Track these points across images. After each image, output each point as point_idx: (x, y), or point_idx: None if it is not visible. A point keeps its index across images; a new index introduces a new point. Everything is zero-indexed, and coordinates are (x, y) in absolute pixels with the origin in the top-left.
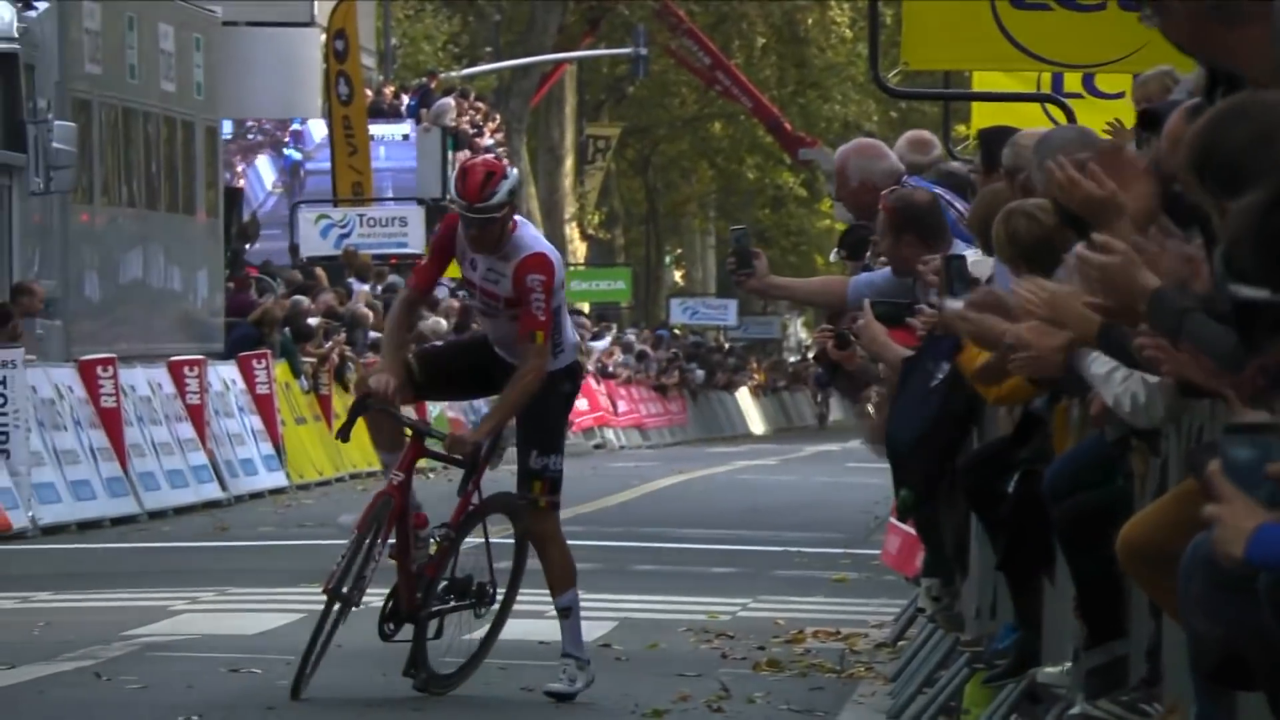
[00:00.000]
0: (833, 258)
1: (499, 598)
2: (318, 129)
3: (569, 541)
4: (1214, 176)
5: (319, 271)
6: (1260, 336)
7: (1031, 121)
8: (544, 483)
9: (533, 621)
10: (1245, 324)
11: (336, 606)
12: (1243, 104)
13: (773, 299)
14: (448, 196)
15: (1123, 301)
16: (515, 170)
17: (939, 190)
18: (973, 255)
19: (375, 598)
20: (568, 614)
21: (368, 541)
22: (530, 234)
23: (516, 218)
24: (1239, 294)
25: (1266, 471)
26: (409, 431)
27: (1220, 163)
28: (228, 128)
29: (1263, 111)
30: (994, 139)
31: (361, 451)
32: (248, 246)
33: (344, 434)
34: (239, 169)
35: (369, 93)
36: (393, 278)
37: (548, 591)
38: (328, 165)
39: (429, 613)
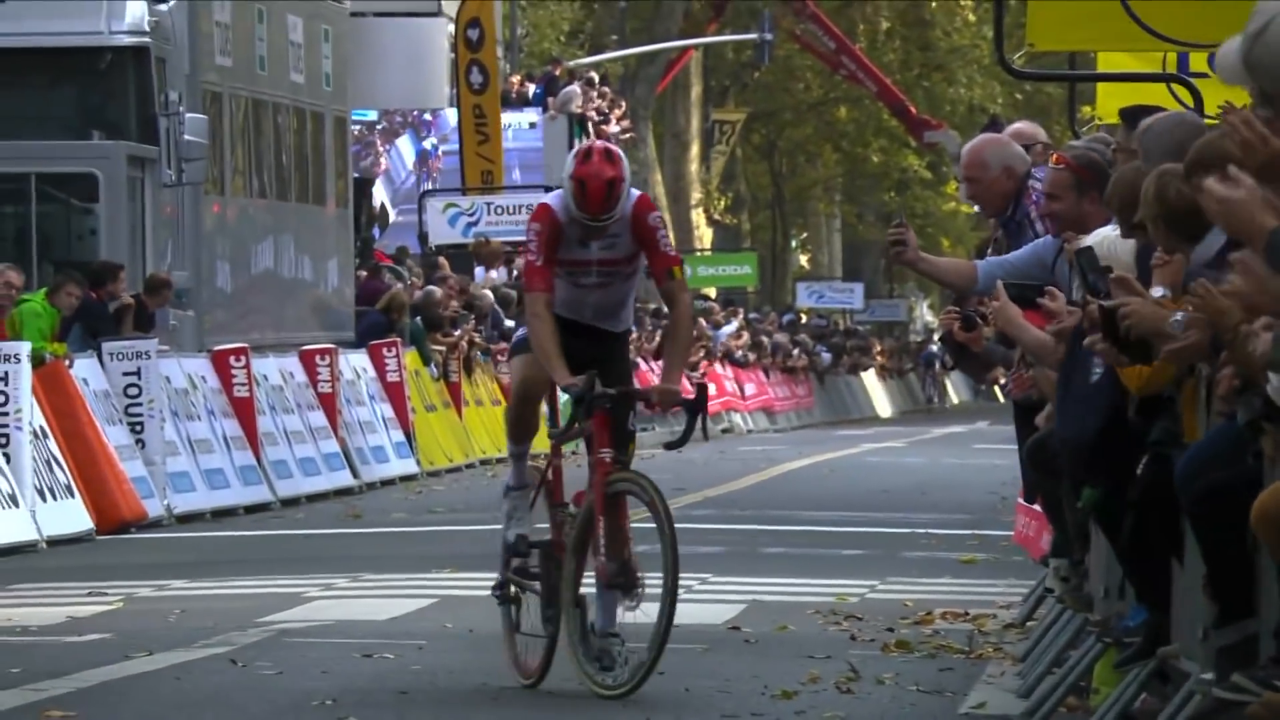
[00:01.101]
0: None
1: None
2: (451, 114)
3: (699, 527)
4: None
5: (442, 260)
6: None
7: (1157, 101)
8: (634, 444)
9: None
10: None
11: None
12: None
13: (920, 274)
14: (568, 201)
15: (1241, 236)
16: (625, 157)
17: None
18: (1111, 232)
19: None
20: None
21: (601, 518)
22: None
23: None
24: None
25: None
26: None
27: None
28: (372, 115)
29: None
30: (1136, 117)
31: (490, 436)
32: (377, 234)
33: (561, 437)
34: (382, 150)
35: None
36: (519, 262)
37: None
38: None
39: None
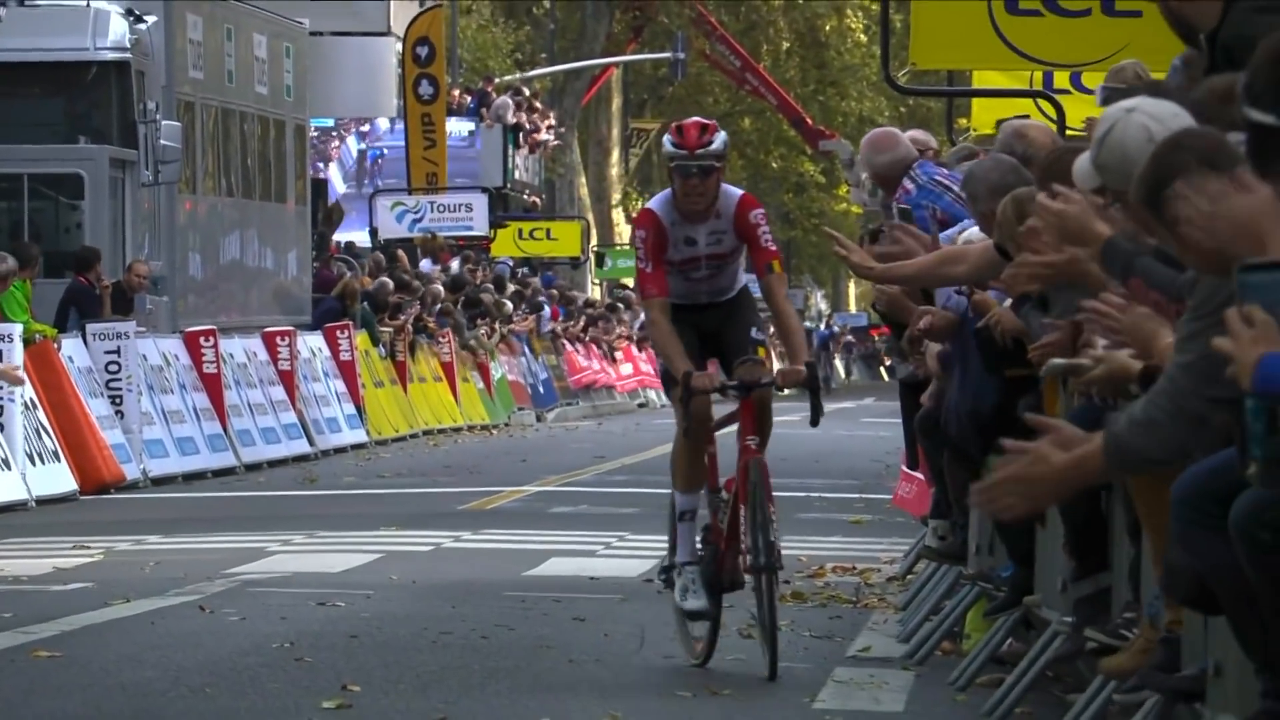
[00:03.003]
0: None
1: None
2: (382, 121)
3: (617, 490)
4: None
5: (400, 253)
6: (1269, 158)
7: (1026, 114)
8: (767, 350)
9: (584, 559)
10: (1256, 146)
11: (765, 581)
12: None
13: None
14: (666, 152)
15: (1078, 246)
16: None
17: (944, 174)
18: (974, 233)
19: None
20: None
21: (753, 509)
22: (726, 186)
23: None
24: (1250, 116)
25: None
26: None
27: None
28: (329, 122)
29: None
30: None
31: (432, 409)
32: (335, 234)
33: (692, 434)
34: (333, 150)
35: None
36: (456, 261)
37: (598, 533)
38: (389, 147)
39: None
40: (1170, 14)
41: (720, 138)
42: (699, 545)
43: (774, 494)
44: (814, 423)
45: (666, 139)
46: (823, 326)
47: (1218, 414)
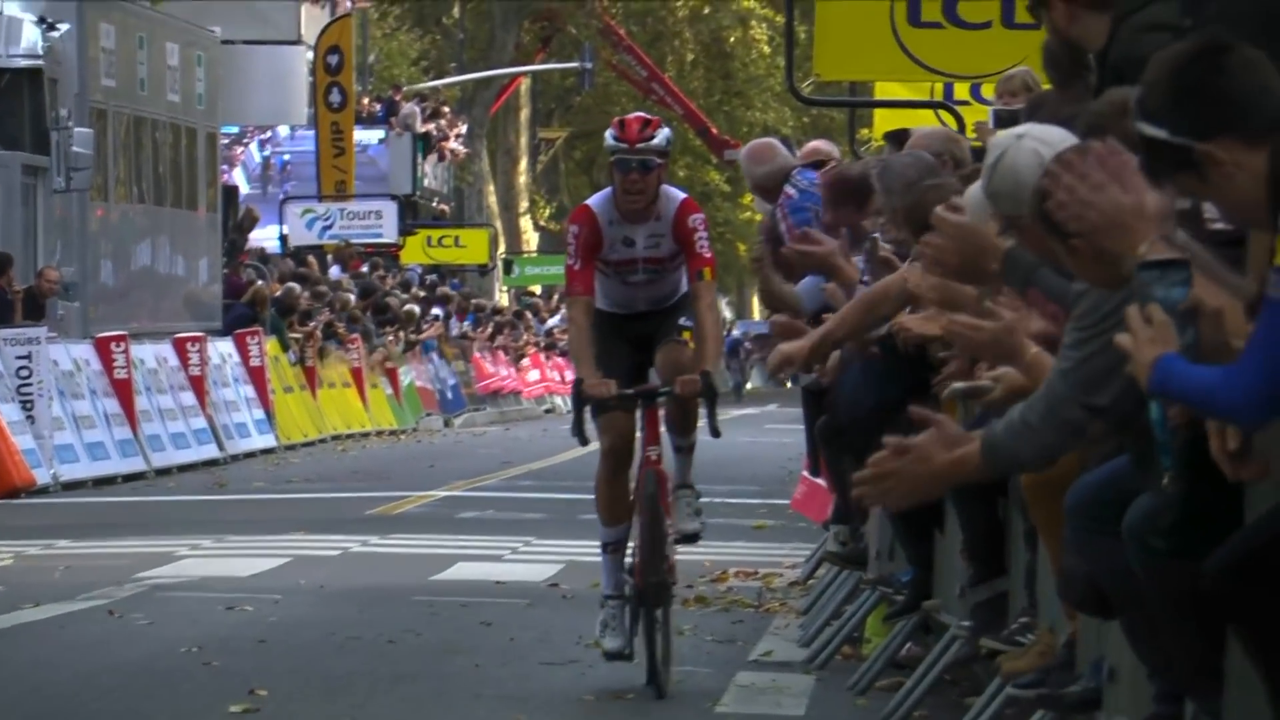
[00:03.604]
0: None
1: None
2: (282, 128)
3: (524, 496)
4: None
5: (310, 260)
6: (1161, 171)
7: (927, 124)
8: (689, 331)
9: (491, 564)
10: (1149, 160)
11: (653, 599)
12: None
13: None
14: (607, 145)
15: (975, 260)
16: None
17: (814, 190)
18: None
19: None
20: (691, 449)
21: (648, 522)
22: (668, 188)
23: None
24: (1144, 130)
25: (1183, 305)
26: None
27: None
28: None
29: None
30: (900, 139)
31: (341, 415)
32: (249, 240)
33: (583, 437)
34: (239, 156)
35: None
36: (365, 267)
37: (504, 538)
38: (291, 152)
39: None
40: (1057, 38)
41: (663, 134)
42: (627, 580)
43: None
44: (713, 433)
45: (608, 133)
46: (735, 331)
47: (1094, 422)
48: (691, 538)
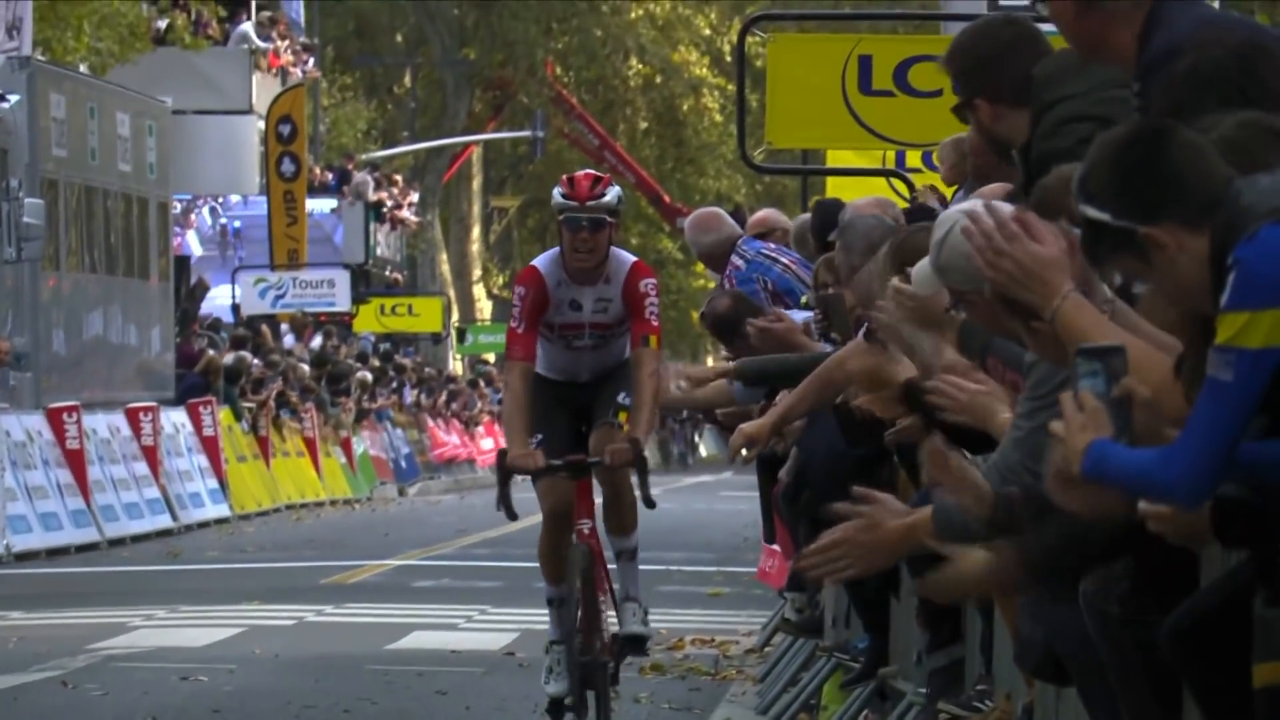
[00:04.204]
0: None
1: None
2: (235, 196)
3: (479, 564)
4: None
5: (264, 329)
6: (1102, 254)
7: (879, 193)
8: (629, 413)
9: (446, 633)
10: (1090, 242)
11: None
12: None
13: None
14: (555, 204)
15: (932, 329)
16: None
17: (770, 247)
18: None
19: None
20: (634, 555)
21: (579, 596)
22: (620, 251)
23: None
24: (1086, 213)
25: (1116, 392)
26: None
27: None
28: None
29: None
30: (825, 209)
31: (295, 484)
32: (200, 309)
33: (509, 511)
34: (193, 219)
35: None
36: (318, 336)
37: (460, 606)
38: (241, 217)
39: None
40: (983, 133)
41: (614, 192)
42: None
43: (636, 518)
44: (646, 502)
45: (556, 190)
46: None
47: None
48: (638, 641)
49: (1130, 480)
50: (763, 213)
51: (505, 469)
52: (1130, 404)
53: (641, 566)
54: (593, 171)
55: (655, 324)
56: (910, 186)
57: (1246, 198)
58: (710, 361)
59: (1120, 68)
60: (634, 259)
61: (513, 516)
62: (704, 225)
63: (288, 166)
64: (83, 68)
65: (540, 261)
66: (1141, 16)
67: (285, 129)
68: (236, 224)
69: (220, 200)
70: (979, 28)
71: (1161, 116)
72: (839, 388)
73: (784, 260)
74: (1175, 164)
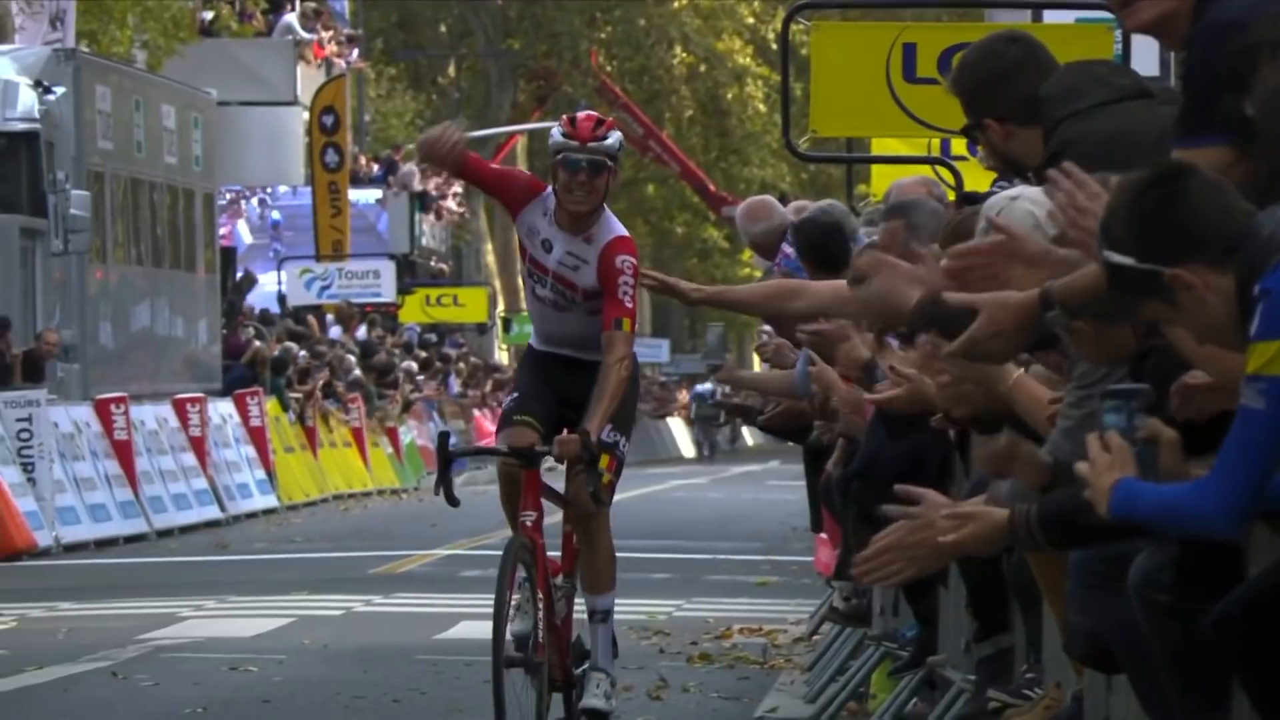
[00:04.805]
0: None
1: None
2: (282, 185)
3: None
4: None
5: (310, 320)
6: (1128, 298)
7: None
8: (612, 460)
9: None
10: (1116, 287)
11: (524, 677)
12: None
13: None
14: (554, 142)
15: (894, 321)
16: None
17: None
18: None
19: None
20: (606, 618)
21: (514, 597)
22: (613, 217)
23: None
24: (1110, 258)
25: (1136, 435)
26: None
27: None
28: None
29: None
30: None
31: (342, 474)
32: (247, 300)
33: (450, 496)
34: (243, 209)
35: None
36: (362, 327)
37: None
38: (284, 207)
39: (578, 675)
40: (995, 154)
41: (615, 136)
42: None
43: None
44: (593, 500)
45: (555, 129)
46: (705, 385)
47: None
48: (599, 716)
49: (1162, 515)
50: (797, 204)
51: (446, 454)
52: (1156, 443)
53: (689, 556)
54: (595, 113)
55: (629, 305)
56: (956, 174)
57: (1267, 229)
58: (756, 357)
59: (1133, 74)
60: (621, 233)
61: (453, 502)
62: (754, 214)
63: (331, 157)
64: (139, 58)
65: (547, 188)
66: None
67: (328, 120)
68: (276, 215)
69: (269, 191)
70: (983, 47)
71: (1205, 84)
72: (793, 305)
73: None
74: (1195, 204)
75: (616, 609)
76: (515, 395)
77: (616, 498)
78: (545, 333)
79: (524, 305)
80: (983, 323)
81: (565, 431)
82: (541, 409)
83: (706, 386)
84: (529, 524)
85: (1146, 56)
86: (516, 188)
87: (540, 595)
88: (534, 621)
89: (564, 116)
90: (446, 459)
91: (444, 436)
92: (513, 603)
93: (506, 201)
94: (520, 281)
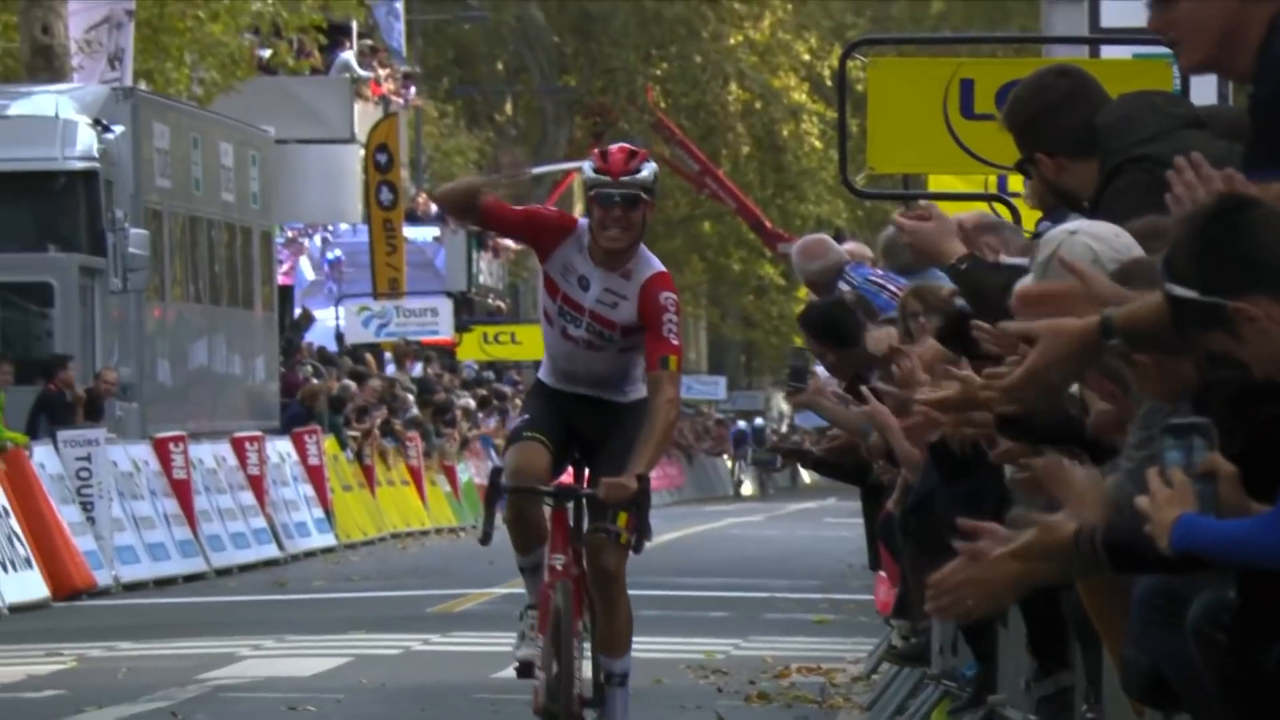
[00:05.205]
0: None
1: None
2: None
3: None
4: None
5: (368, 358)
6: (1191, 332)
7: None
8: (631, 516)
9: None
10: (1178, 320)
11: None
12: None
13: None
14: (586, 178)
15: (930, 263)
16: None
17: (877, 274)
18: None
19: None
20: (624, 681)
21: (553, 646)
22: (651, 254)
23: None
24: (1172, 292)
25: (1196, 470)
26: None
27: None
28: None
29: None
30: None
31: (400, 512)
32: (305, 338)
33: (487, 533)
34: (305, 246)
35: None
36: (418, 365)
37: None
38: (344, 244)
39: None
40: (1048, 188)
41: (650, 168)
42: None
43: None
44: (634, 548)
45: (586, 164)
46: (740, 423)
47: None
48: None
49: (1227, 549)
50: (852, 244)
51: (498, 487)
52: (1216, 479)
53: (746, 594)
54: (628, 145)
55: (675, 343)
56: (1013, 211)
57: None
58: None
59: (1189, 104)
60: (660, 268)
61: (486, 539)
62: (811, 252)
63: (385, 195)
64: (196, 91)
65: (582, 219)
66: (1266, 20)
67: (382, 158)
68: (336, 253)
69: (330, 228)
70: (1034, 82)
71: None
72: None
73: (891, 288)
74: (1259, 237)
75: (674, 646)
76: (526, 418)
77: (671, 535)
78: (568, 371)
79: None
80: (1041, 352)
81: (587, 473)
82: (553, 435)
83: (741, 424)
84: (559, 568)
85: (1206, 90)
86: (548, 227)
87: (575, 641)
88: (564, 675)
89: (595, 150)
90: (496, 495)
91: (496, 473)
92: (519, 630)
93: (538, 242)
94: (543, 318)
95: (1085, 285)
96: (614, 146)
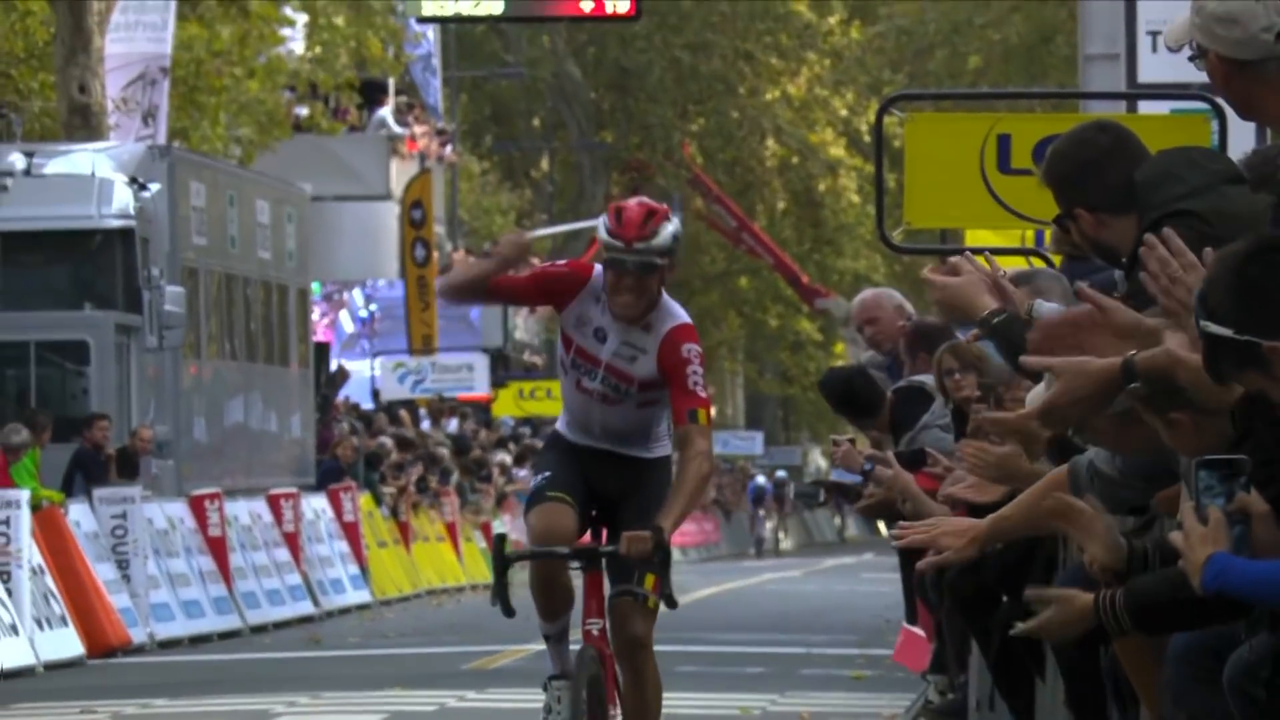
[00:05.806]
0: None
1: None
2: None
3: None
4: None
5: (403, 414)
6: (1226, 368)
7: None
8: (657, 578)
9: None
10: (1212, 357)
11: None
12: None
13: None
14: (600, 238)
15: (961, 318)
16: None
17: None
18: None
19: None
20: None
21: (584, 708)
22: (673, 302)
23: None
24: (1208, 329)
25: (1231, 507)
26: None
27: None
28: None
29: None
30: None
31: (435, 569)
32: (341, 395)
33: (506, 606)
34: (345, 301)
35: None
36: (454, 421)
37: None
38: (381, 299)
39: None
40: (1087, 243)
41: (668, 230)
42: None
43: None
44: (668, 602)
45: (601, 221)
46: (759, 479)
47: None
48: None
49: (1263, 589)
50: (869, 293)
51: (503, 558)
52: (1248, 518)
53: (782, 650)
54: (649, 202)
55: (703, 395)
56: (1050, 266)
57: None
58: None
59: (1227, 160)
60: (683, 319)
61: (508, 613)
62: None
63: (420, 252)
64: (235, 152)
65: (597, 268)
66: None
67: (417, 214)
68: (372, 308)
69: (368, 283)
70: (1074, 136)
71: None
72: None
73: None
74: None
75: (711, 702)
76: (547, 475)
77: (707, 591)
78: (585, 425)
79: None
80: (1062, 389)
81: (605, 532)
82: (577, 493)
83: (761, 480)
84: (595, 633)
85: (1244, 144)
86: (560, 283)
87: (612, 710)
88: None
89: (611, 206)
90: (503, 565)
91: (500, 540)
92: (545, 703)
93: (551, 300)
94: (560, 368)
95: (1104, 315)
96: (633, 202)
